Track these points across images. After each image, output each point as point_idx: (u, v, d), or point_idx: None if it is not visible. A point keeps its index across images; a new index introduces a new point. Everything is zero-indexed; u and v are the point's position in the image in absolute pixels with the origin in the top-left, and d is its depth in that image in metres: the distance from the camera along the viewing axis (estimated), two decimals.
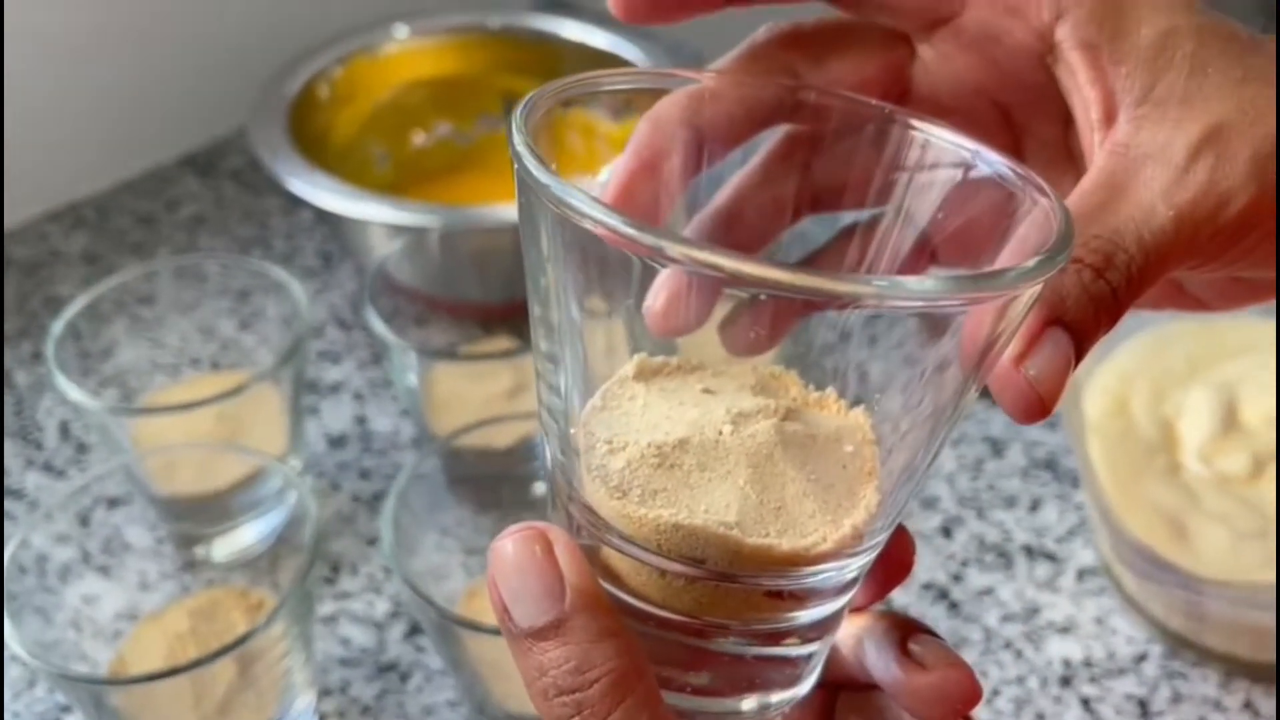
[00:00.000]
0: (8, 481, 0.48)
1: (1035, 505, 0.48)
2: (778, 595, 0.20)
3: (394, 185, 0.60)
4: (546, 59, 0.62)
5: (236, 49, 0.65)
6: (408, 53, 0.61)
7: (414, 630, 0.42)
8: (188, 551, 0.43)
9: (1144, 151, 0.21)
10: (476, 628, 0.32)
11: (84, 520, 0.43)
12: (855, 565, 0.20)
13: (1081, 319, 0.21)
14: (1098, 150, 0.22)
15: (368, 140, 0.61)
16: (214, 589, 0.39)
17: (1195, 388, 0.43)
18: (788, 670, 0.21)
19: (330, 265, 0.60)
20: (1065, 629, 0.43)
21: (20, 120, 0.59)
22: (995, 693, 0.40)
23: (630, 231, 0.17)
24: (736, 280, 0.17)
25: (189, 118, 0.67)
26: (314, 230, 0.62)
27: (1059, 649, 0.42)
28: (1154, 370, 0.43)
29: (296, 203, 0.64)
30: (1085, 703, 0.40)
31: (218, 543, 0.42)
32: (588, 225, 0.17)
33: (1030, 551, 0.46)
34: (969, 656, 0.42)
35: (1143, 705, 0.40)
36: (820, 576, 0.20)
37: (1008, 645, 0.42)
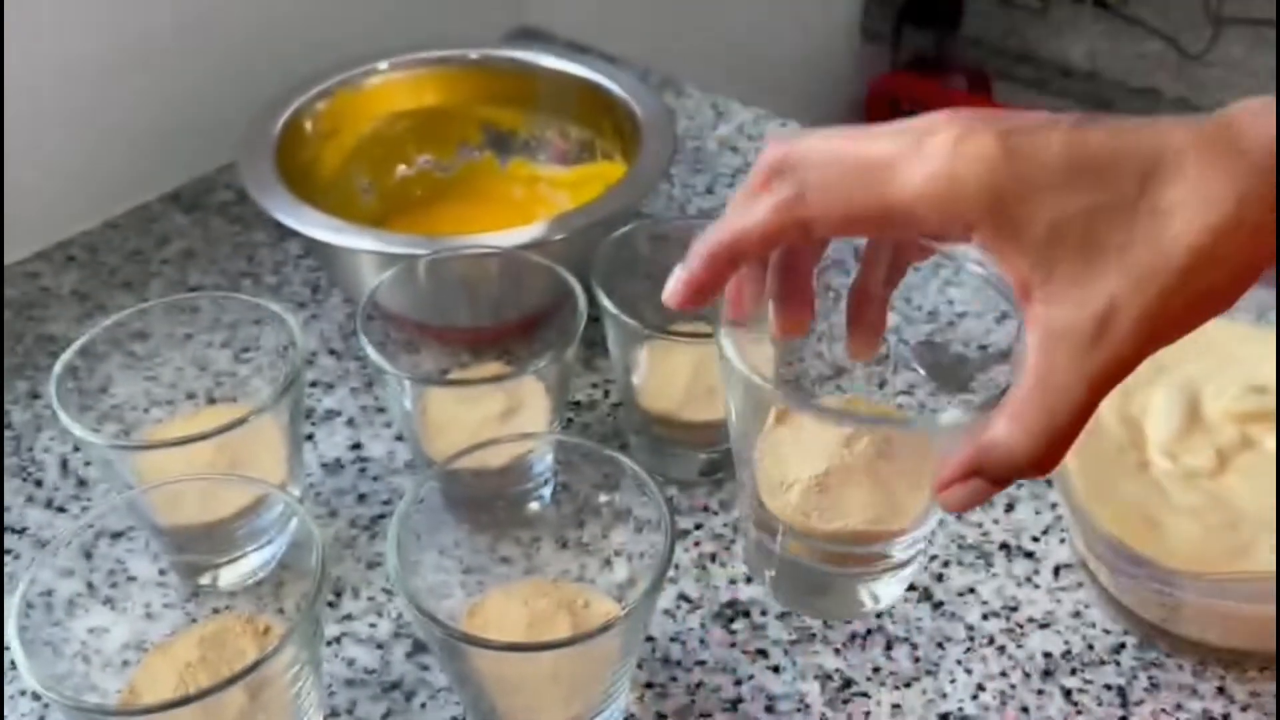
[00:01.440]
0: (8, 519, 0.49)
1: (1011, 506, 0.49)
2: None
3: (379, 215, 0.62)
4: (524, 88, 0.63)
5: (220, 88, 0.67)
6: (388, 85, 0.63)
7: (417, 649, 0.43)
8: (193, 581, 0.44)
9: (1056, 333, 0.28)
10: (482, 644, 0.33)
11: (88, 554, 0.44)
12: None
13: (1001, 478, 0.30)
14: (1026, 320, 0.29)
15: (352, 172, 0.62)
16: (222, 617, 0.40)
17: (1159, 387, 0.45)
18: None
19: (319, 296, 0.61)
20: (1045, 624, 0.44)
21: (10, 161, 0.60)
22: (980, 688, 0.42)
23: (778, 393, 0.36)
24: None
25: (174, 156, 0.68)
26: (301, 262, 0.63)
27: (1040, 643, 0.44)
28: None
29: (284, 235, 0.65)
30: (1067, 694, 0.42)
31: (223, 571, 0.43)
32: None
33: (1008, 550, 0.47)
34: (954, 654, 0.43)
35: (1122, 694, 0.42)
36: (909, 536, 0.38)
37: (990, 641, 0.44)
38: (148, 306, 0.48)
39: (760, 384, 0.33)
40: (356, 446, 0.52)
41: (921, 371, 0.56)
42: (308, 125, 0.60)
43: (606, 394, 0.55)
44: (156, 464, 0.42)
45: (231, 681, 0.31)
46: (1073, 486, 0.43)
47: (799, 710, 0.41)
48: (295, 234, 0.63)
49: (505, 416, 0.47)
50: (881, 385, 0.44)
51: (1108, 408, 0.44)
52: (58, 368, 0.43)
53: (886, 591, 0.41)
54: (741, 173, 0.72)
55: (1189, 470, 0.43)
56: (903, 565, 0.40)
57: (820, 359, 0.45)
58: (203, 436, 0.40)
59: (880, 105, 1.37)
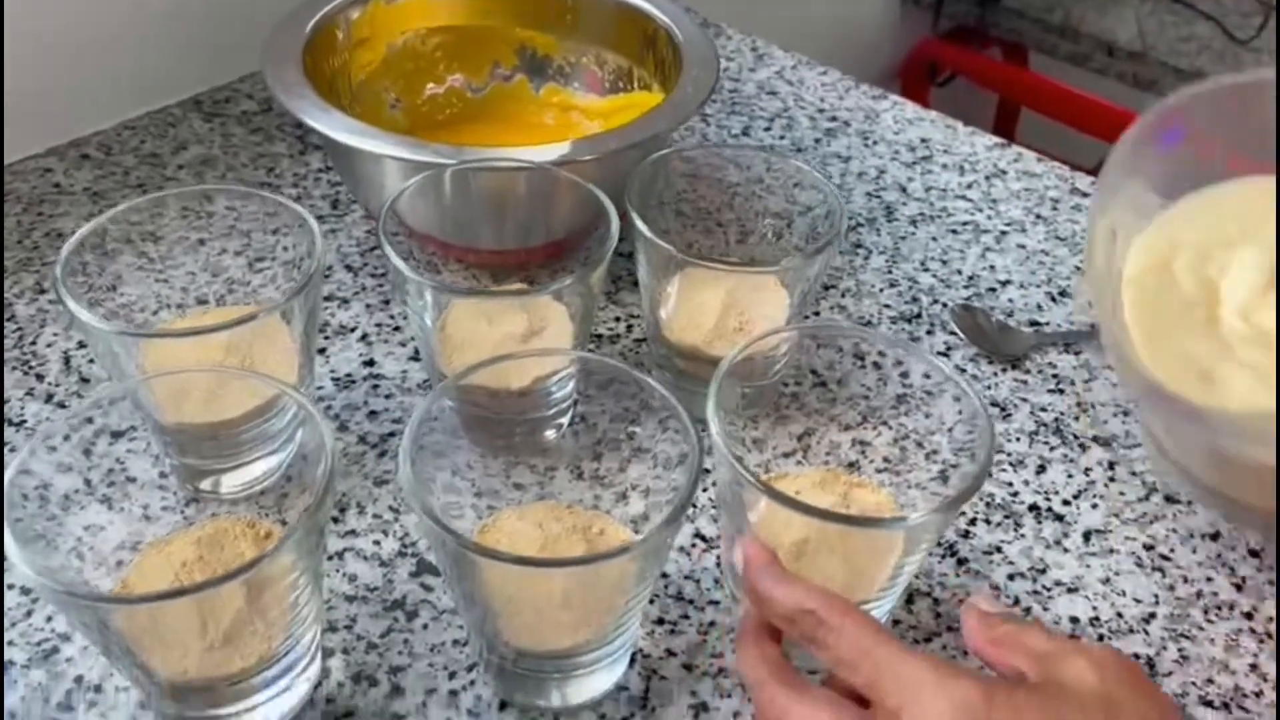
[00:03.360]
0: (8, 411, 0.47)
1: (1043, 467, 0.48)
2: None
3: (405, 133, 0.60)
4: (563, 10, 0.61)
5: None
6: None
7: (421, 570, 0.42)
8: (193, 485, 0.42)
9: None
10: (494, 556, 0.31)
11: (87, 451, 0.43)
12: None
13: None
14: None
15: (380, 86, 0.60)
16: (222, 518, 0.38)
17: (1243, 249, 0.40)
18: None
19: (339, 210, 0.59)
20: (1073, 588, 0.43)
21: (24, 54, 0.58)
22: None
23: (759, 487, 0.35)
24: None
25: (198, 61, 0.66)
26: (323, 176, 0.61)
27: (1067, 607, 0.42)
28: (1203, 233, 0.41)
29: (306, 148, 0.63)
30: None
31: (225, 477, 0.42)
32: None
33: (1038, 512, 0.46)
34: None
35: (1151, 665, 0.40)
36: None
37: (1016, 602, 0.42)
38: (161, 196, 0.46)
39: (745, 475, 0.35)
40: (370, 363, 0.50)
41: (961, 335, 0.55)
42: (339, 32, 0.57)
43: (630, 328, 0.53)
44: (163, 358, 0.40)
45: (232, 576, 0.30)
46: (1127, 337, 0.39)
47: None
48: (318, 147, 0.61)
49: (526, 339, 0.45)
50: (864, 451, 0.43)
51: (1184, 267, 0.40)
52: (66, 249, 0.42)
53: None
54: (780, 117, 0.70)
55: (1262, 331, 0.38)
56: None
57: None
58: (213, 329, 0.38)
59: (918, 70, 1.35)
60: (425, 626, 0.40)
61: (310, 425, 0.35)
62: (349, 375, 0.50)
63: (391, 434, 0.47)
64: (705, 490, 0.46)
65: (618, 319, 0.54)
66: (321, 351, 0.51)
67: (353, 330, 0.52)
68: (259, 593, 0.34)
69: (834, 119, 0.70)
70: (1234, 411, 0.37)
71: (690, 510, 0.45)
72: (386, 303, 0.53)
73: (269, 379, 0.36)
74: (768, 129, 0.68)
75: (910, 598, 0.42)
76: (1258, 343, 0.38)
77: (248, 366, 0.42)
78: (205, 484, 0.42)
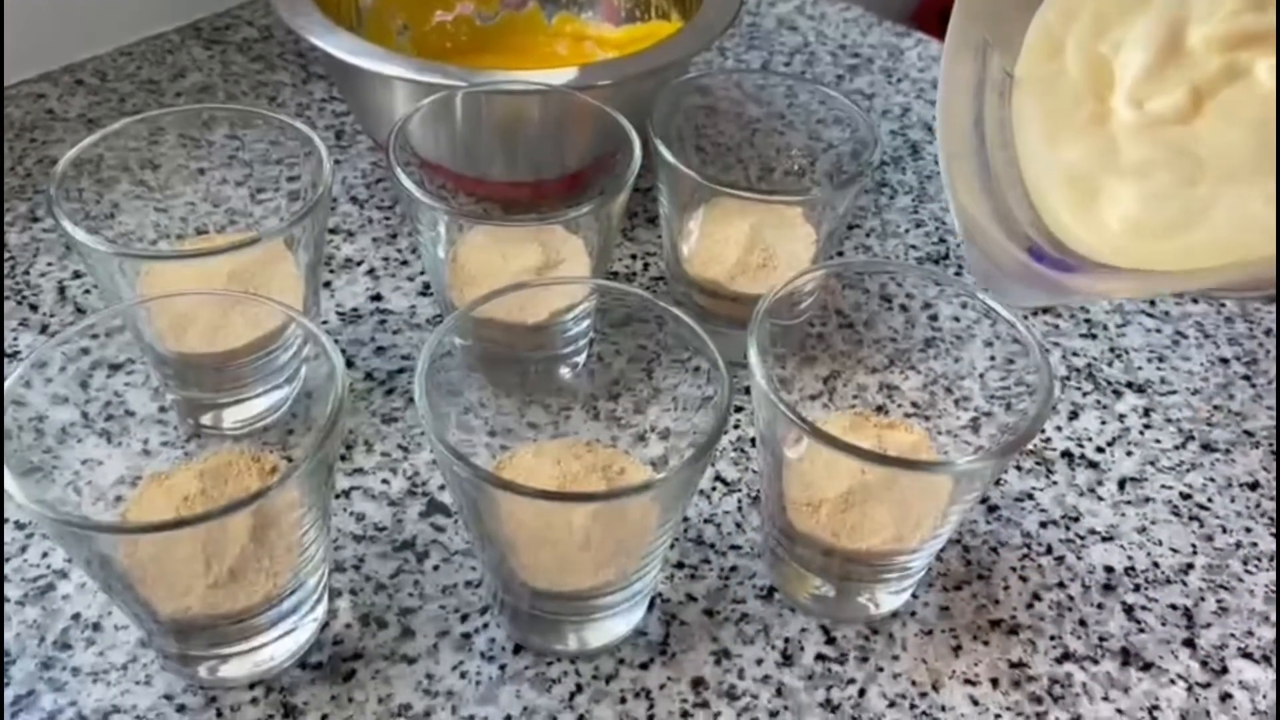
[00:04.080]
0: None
1: (1075, 413, 0.46)
2: None
3: None
4: None
5: None
6: None
7: (432, 509, 0.40)
8: (194, 420, 0.40)
9: None
10: (514, 489, 0.30)
11: (84, 383, 0.41)
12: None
13: None
14: None
15: (388, 11, 0.57)
16: (226, 451, 0.37)
17: (1142, 16, 0.35)
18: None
19: (344, 141, 0.57)
20: (1108, 537, 0.41)
21: None
22: (1036, 597, 0.39)
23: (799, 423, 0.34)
24: None
25: None
26: (327, 106, 0.59)
27: (1101, 556, 0.41)
28: (1101, 2, 0.35)
29: (310, 76, 0.61)
30: (1129, 610, 0.39)
31: (227, 412, 0.40)
32: None
33: (1070, 458, 0.44)
34: (1008, 559, 0.40)
35: (1189, 615, 0.39)
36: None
37: (1048, 550, 0.41)
38: (157, 116, 0.43)
39: (785, 411, 0.32)
40: (377, 298, 0.48)
41: None
42: None
43: (646, 266, 0.51)
44: (165, 285, 0.39)
45: (238, 506, 0.28)
46: (1015, 154, 0.35)
47: None
48: (321, 76, 0.59)
49: (541, 274, 0.43)
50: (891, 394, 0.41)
51: (1074, 47, 0.35)
52: (59, 168, 0.40)
53: (890, 600, 0.38)
54: (799, 53, 0.67)
55: (1155, 118, 0.33)
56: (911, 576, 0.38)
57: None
58: (216, 251, 0.36)
59: (930, 14, 1.31)
60: (436, 568, 0.38)
61: (319, 354, 0.33)
62: (355, 310, 0.48)
63: (400, 370, 0.45)
64: (726, 433, 0.44)
65: (634, 256, 0.52)
66: (327, 285, 0.49)
67: (359, 264, 0.50)
68: (265, 528, 0.32)
69: (856, 55, 0.67)
70: (1109, 259, 0.31)
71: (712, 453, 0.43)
72: (394, 236, 0.51)
73: (277, 304, 0.34)
74: (787, 64, 0.66)
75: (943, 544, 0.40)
76: (1147, 136, 0.32)
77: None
78: (207, 419, 0.40)
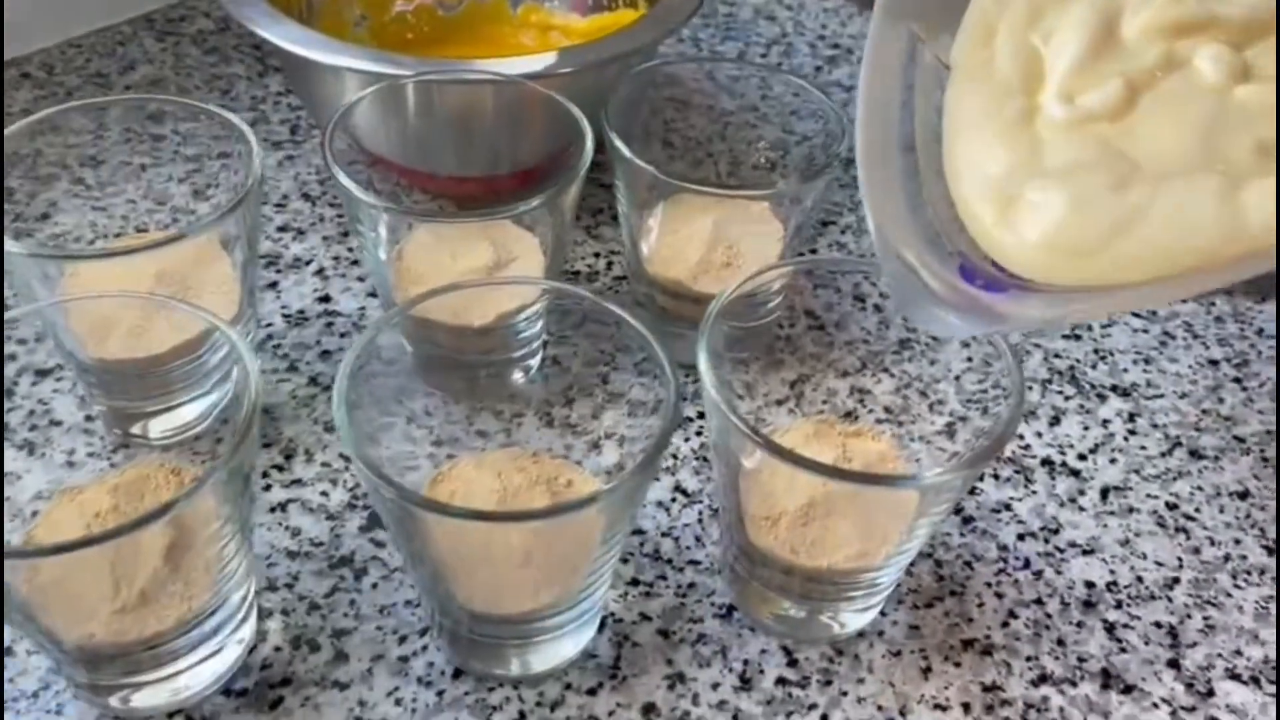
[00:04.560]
0: None
1: (1057, 419, 0.44)
2: None
3: None
4: None
5: None
6: None
7: (373, 524, 0.38)
8: (122, 430, 0.38)
9: None
10: (441, 511, 0.27)
11: (9, 391, 0.39)
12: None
13: None
14: None
15: (344, 2, 0.55)
16: (142, 464, 0.34)
17: (1077, 3, 0.31)
18: None
19: (298, 136, 0.54)
20: (1089, 550, 0.39)
21: None
22: (1012, 615, 0.37)
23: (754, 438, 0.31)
24: None
25: None
26: (282, 100, 0.57)
27: (1081, 571, 0.38)
28: None
29: (265, 69, 0.58)
30: (1110, 628, 0.37)
31: (154, 421, 0.38)
32: None
33: (1051, 466, 0.42)
34: (983, 574, 0.38)
35: (1174, 634, 0.37)
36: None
37: (1026, 564, 0.38)
38: (72, 108, 0.41)
39: (735, 422, 0.30)
40: (325, 299, 0.46)
41: None
42: None
43: (610, 265, 0.49)
44: (86, 288, 0.36)
45: (139, 524, 0.26)
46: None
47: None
48: (278, 69, 0.57)
49: (492, 273, 0.41)
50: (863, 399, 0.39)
51: (1005, 34, 0.31)
52: None
53: (856, 619, 0.36)
54: (777, 44, 0.65)
55: (1085, 114, 0.29)
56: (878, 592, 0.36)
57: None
58: (132, 250, 0.34)
59: None
60: (374, 586, 0.36)
61: (237, 359, 0.31)
62: (301, 312, 0.45)
63: None
64: (688, 440, 0.42)
65: (597, 254, 0.49)
66: (273, 286, 0.46)
67: (308, 263, 0.48)
68: (178, 546, 0.30)
69: (836, 46, 0.65)
70: (1036, 276, 0.27)
71: (671, 462, 0.41)
72: (346, 234, 0.49)
73: (196, 309, 0.32)
74: (764, 55, 0.64)
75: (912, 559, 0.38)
76: (1076, 135, 0.28)
77: (181, 298, 0.38)
78: (135, 428, 0.38)
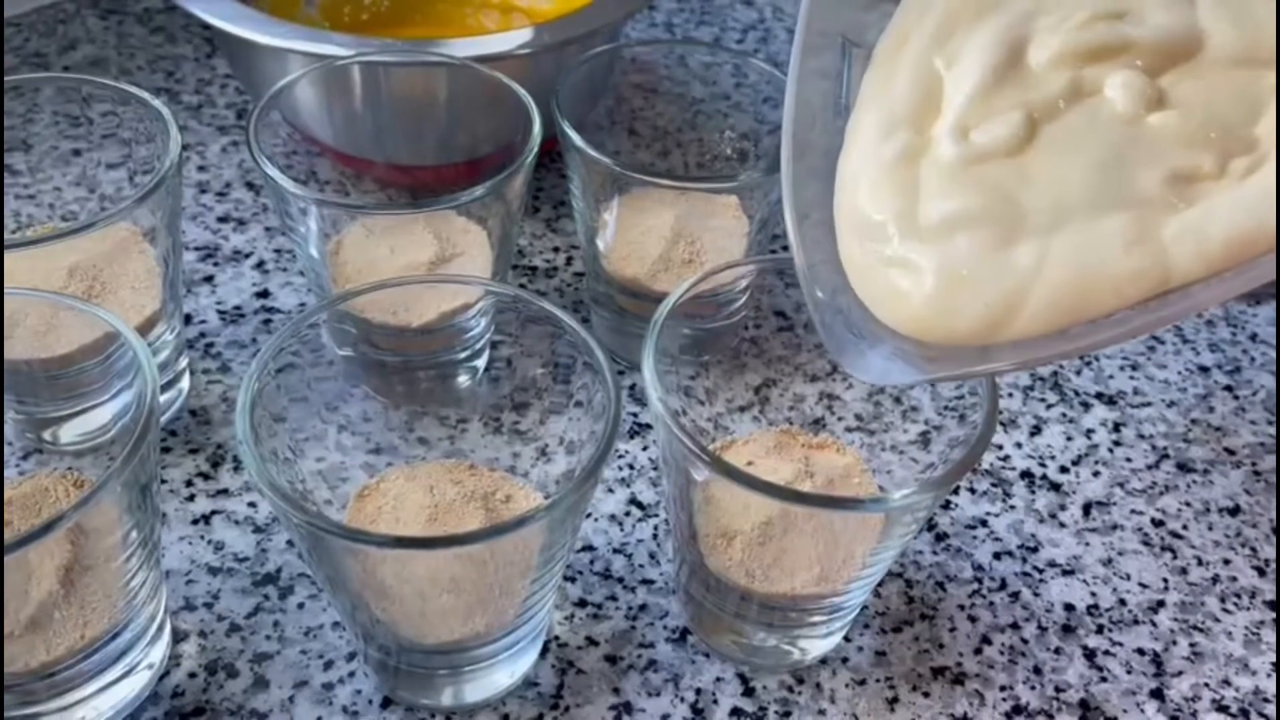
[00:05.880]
0: None
1: (1038, 429, 0.41)
2: None
3: None
4: None
5: None
6: None
7: None
8: (36, 435, 0.36)
9: None
10: (352, 537, 0.25)
11: None
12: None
13: None
14: None
15: None
16: (41, 477, 0.32)
17: (993, 18, 0.27)
18: None
19: (244, 121, 0.52)
20: (1069, 570, 0.37)
21: None
22: (985, 640, 0.34)
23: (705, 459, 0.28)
24: None
25: None
26: (230, 83, 0.54)
27: (1061, 592, 0.36)
28: None
29: (213, 50, 0.56)
30: (1090, 655, 0.34)
31: (64, 427, 0.35)
32: None
33: (1031, 479, 0.39)
34: (956, 596, 0.35)
35: (1158, 661, 0.34)
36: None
37: (1002, 585, 0.36)
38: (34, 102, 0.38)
39: (680, 437, 0.27)
40: (264, 294, 0.43)
41: None
42: None
43: (570, 260, 0.46)
44: None
45: (19, 544, 0.23)
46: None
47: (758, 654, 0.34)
48: (219, 41, 0.54)
49: (435, 269, 0.38)
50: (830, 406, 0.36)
51: (910, 55, 0.28)
52: None
53: (818, 645, 0.34)
54: (754, 29, 0.62)
55: (979, 152, 0.26)
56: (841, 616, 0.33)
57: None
58: (31, 242, 0.31)
59: None
60: (301, 605, 0.33)
61: (138, 368, 0.28)
62: (238, 308, 0.43)
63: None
64: (646, 449, 0.39)
65: (556, 249, 0.47)
66: (209, 280, 0.44)
67: (247, 256, 0.45)
68: (76, 566, 0.28)
69: None
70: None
71: (626, 472, 0.38)
72: None
73: (91, 308, 0.29)
74: (740, 41, 0.61)
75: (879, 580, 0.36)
76: (963, 178, 0.25)
77: (97, 293, 0.35)
78: (46, 434, 0.35)
